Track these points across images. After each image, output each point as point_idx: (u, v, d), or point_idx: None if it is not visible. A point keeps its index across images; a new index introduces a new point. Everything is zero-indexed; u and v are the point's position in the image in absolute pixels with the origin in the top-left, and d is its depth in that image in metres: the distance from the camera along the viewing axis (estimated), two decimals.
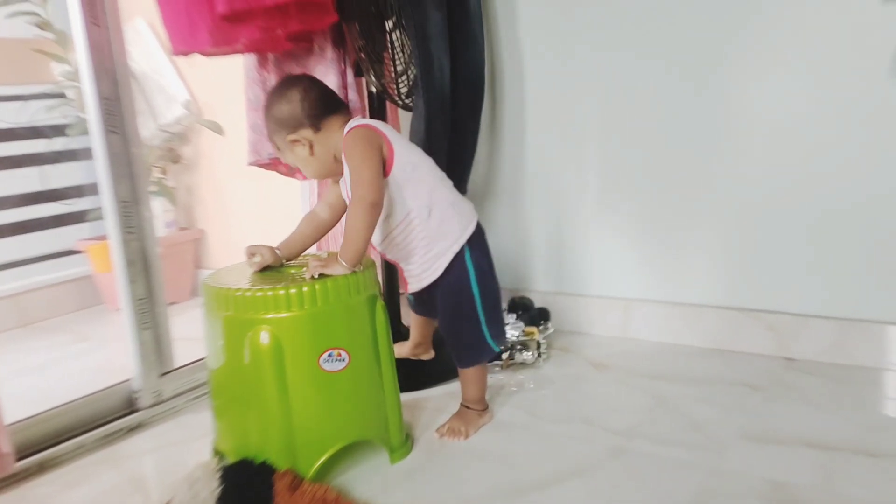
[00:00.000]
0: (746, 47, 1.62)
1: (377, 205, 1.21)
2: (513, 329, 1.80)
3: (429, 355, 1.64)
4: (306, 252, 1.39)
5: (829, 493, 1.12)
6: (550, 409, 1.52)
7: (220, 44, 1.47)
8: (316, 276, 1.16)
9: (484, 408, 1.46)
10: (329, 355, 1.13)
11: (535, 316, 1.91)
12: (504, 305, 1.91)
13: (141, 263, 1.58)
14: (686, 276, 1.81)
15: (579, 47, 1.83)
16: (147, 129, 2.64)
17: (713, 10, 1.64)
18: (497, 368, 1.75)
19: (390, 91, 1.64)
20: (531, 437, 1.39)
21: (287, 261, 1.34)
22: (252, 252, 1.30)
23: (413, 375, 1.66)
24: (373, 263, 1.27)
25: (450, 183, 1.35)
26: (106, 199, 1.53)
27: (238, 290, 1.13)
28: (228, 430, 1.23)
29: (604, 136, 1.85)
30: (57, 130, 2.58)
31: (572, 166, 1.91)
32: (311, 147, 1.29)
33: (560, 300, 2.00)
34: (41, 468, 1.38)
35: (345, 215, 1.28)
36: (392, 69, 1.67)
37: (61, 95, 2.56)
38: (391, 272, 1.79)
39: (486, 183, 2.06)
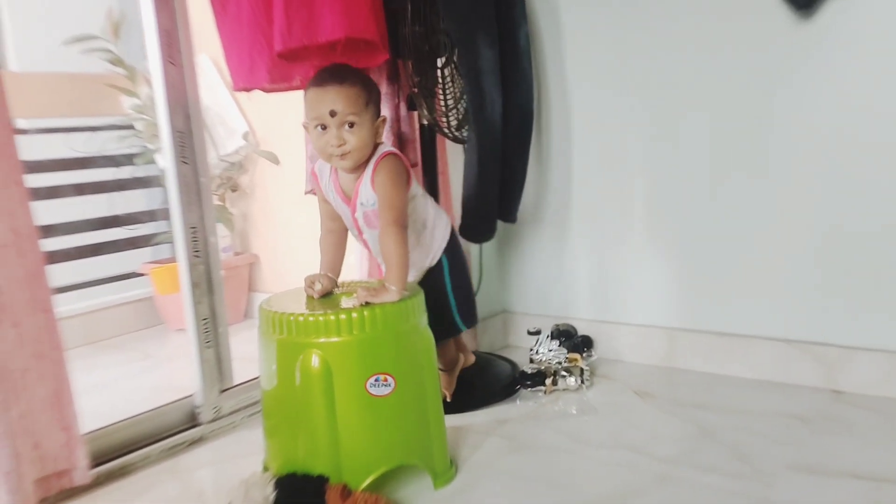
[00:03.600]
0: (792, 83, 1.65)
1: (406, 227, 1.35)
2: (556, 355, 1.84)
3: (469, 360, 1.76)
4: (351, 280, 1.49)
5: None
6: (594, 434, 1.54)
7: (278, 80, 1.57)
8: (364, 304, 1.23)
9: (449, 367, 1.70)
10: (376, 380, 1.19)
11: (578, 343, 1.94)
12: (547, 332, 1.95)
13: (206, 285, 1.67)
14: (731, 307, 1.82)
15: (624, 83, 1.88)
16: (208, 159, 2.77)
17: (760, 46, 1.67)
18: (541, 394, 1.79)
19: (441, 124, 1.72)
20: (576, 461, 1.42)
21: (337, 281, 1.43)
22: (312, 281, 1.37)
23: (457, 398, 1.71)
24: (420, 291, 1.34)
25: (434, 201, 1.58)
26: (176, 225, 1.63)
27: (291, 314, 1.20)
28: (278, 449, 1.28)
29: (649, 168, 1.89)
30: (125, 159, 2.74)
31: (617, 197, 1.96)
32: (378, 135, 1.39)
33: (604, 328, 2.03)
34: (109, 477, 1.47)
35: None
36: (443, 103, 1.75)
37: (130, 127, 2.72)
38: None
39: (533, 212, 2.12)
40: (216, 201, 2.83)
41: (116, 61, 2.63)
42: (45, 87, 2.70)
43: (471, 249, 2.02)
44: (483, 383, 1.83)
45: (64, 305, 2.57)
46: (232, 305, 2.77)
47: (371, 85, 1.38)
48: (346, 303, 1.27)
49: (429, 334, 1.32)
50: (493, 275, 2.20)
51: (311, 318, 1.18)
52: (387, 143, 1.44)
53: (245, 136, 2.76)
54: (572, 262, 2.08)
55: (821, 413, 1.57)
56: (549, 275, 2.13)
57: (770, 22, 1.64)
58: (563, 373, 1.82)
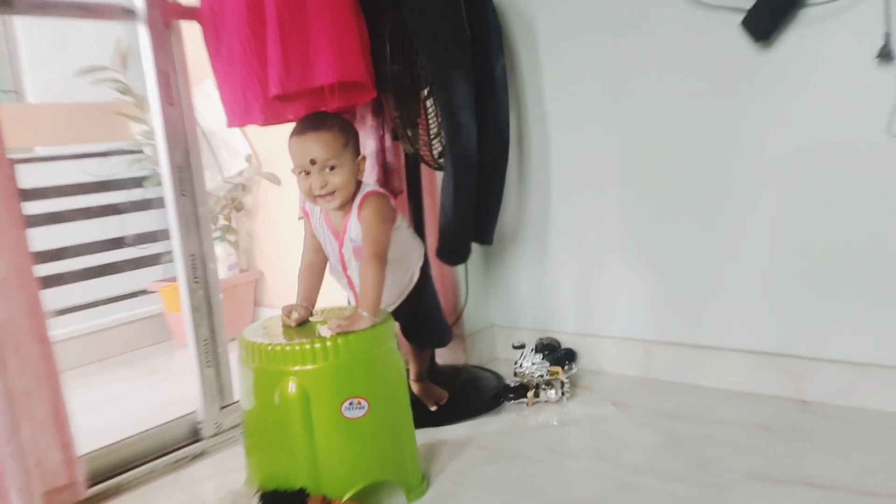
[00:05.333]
0: (755, 107, 1.73)
1: (385, 261, 1.45)
2: (539, 369, 1.93)
3: (443, 397, 1.86)
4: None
5: None
6: (569, 444, 1.64)
7: (271, 119, 1.68)
8: (335, 331, 1.33)
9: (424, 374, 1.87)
10: (350, 403, 1.28)
11: (561, 356, 2.03)
12: (532, 346, 2.05)
13: (205, 309, 1.78)
14: (704, 320, 1.91)
15: (599, 110, 1.98)
16: (213, 181, 2.90)
17: (724, 74, 1.76)
18: (524, 406, 1.88)
19: (423, 153, 1.82)
20: (549, 471, 1.51)
21: (312, 311, 1.53)
22: (289, 310, 1.48)
23: (444, 411, 1.82)
24: (390, 316, 1.44)
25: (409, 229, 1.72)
26: (176, 252, 1.75)
27: (269, 344, 1.30)
28: (259, 468, 1.38)
29: (623, 189, 1.98)
30: (135, 182, 2.87)
31: (594, 217, 2.05)
32: (360, 172, 1.51)
33: (585, 341, 2.12)
34: (118, 490, 1.58)
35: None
36: (426, 133, 1.85)
37: (139, 151, 2.86)
38: None
39: (516, 231, 2.22)
40: (222, 221, 2.96)
41: (125, 90, 2.76)
42: (61, 117, 2.85)
43: (459, 268, 2.11)
44: (469, 396, 1.93)
45: (78, 324, 2.75)
46: (239, 320, 2.88)
47: (348, 128, 1.50)
48: (321, 330, 1.37)
49: (399, 357, 1.42)
50: (481, 291, 2.30)
51: (287, 348, 1.28)
52: (370, 183, 1.56)
53: (248, 159, 2.88)
54: (555, 278, 2.17)
55: (785, 422, 1.65)
56: (534, 290, 2.22)
57: (735, 53, 1.73)
58: (545, 385, 1.91)
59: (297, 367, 1.28)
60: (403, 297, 1.70)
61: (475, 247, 2.06)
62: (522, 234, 2.21)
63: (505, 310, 2.32)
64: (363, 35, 1.58)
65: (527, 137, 2.13)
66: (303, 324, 1.46)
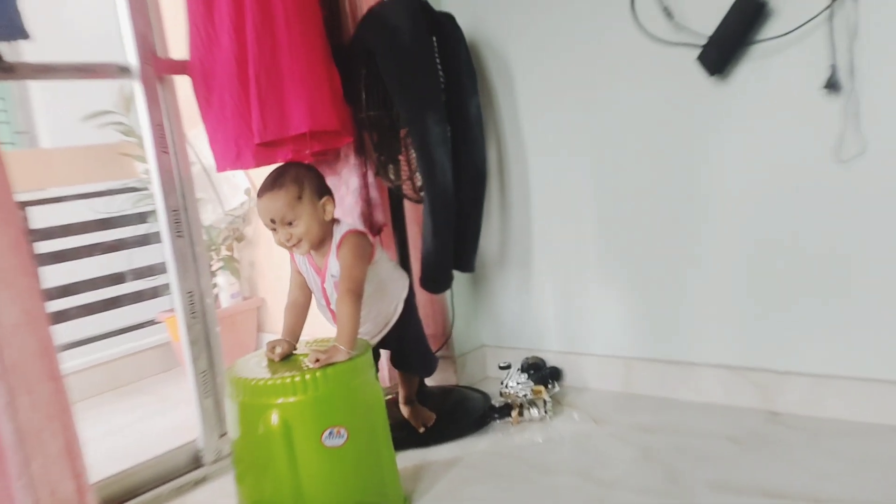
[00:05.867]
0: (715, 136, 1.83)
1: (360, 296, 1.56)
2: (523, 388, 2.02)
3: (430, 419, 1.94)
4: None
5: None
6: (548, 461, 1.73)
7: (263, 163, 1.80)
8: (314, 364, 1.42)
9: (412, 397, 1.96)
10: (330, 433, 1.37)
11: (545, 375, 2.12)
12: (518, 366, 2.15)
13: (203, 342, 1.89)
14: (679, 337, 2.00)
15: (573, 141, 2.08)
16: (215, 214, 3.04)
17: (684, 105, 1.86)
18: (509, 425, 1.98)
19: (405, 188, 1.93)
20: (527, 488, 1.61)
21: (295, 345, 1.62)
22: (273, 346, 1.57)
23: (432, 432, 1.91)
24: (368, 346, 1.53)
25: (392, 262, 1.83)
26: (173, 289, 1.86)
27: (252, 379, 1.40)
28: (246, 495, 1.47)
29: (598, 213, 2.08)
30: (140, 218, 3.01)
31: (573, 241, 2.15)
32: (325, 213, 1.59)
33: (570, 359, 2.21)
34: None
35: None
36: (409, 167, 1.96)
37: (144, 189, 2.99)
38: None
39: (499, 254, 2.32)
40: (224, 251, 3.08)
41: (128, 132, 2.91)
42: (71, 159, 3.01)
43: (445, 293, 2.21)
44: (457, 417, 2.02)
45: (91, 355, 2.88)
46: (241, 346, 3.00)
47: (303, 179, 1.57)
48: (304, 363, 1.46)
49: (377, 385, 1.52)
50: (470, 313, 2.40)
51: (269, 382, 1.38)
52: (349, 221, 1.66)
53: (247, 192, 3.01)
54: (539, 299, 2.27)
55: (753, 433, 1.74)
56: (520, 312, 2.32)
57: (693, 85, 1.82)
58: (528, 405, 2.00)
59: (279, 400, 1.37)
60: (389, 327, 1.80)
61: (462, 273, 2.17)
62: (507, 258, 2.31)
63: (494, 331, 2.41)
64: (335, 86, 1.70)
65: (507, 168, 2.24)
66: (286, 357, 1.55)
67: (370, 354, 1.53)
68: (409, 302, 1.83)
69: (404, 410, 1.94)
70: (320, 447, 1.38)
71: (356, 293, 1.54)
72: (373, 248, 1.66)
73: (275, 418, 1.36)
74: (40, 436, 1.43)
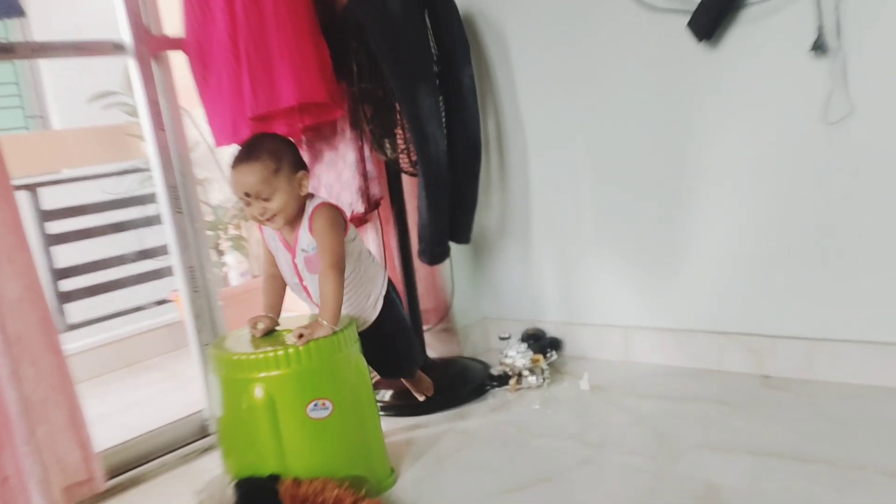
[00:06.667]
0: (706, 102, 1.82)
1: (343, 270, 1.52)
2: (522, 357, 2.05)
3: (429, 389, 1.95)
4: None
5: (751, 491, 1.32)
6: (542, 426, 1.76)
7: None
8: (298, 341, 1.40)
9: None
10: (315, 405, 1.39)
11: (545, 345, 2.15)
12: (518, 336, 2.18)
13: (207, 316, 1.95)
14: (675, 304, 2.01)
15: (569, 111, 2.09)
16: (222, 193, 3.08)
17: (676, 72, 1.86)
18: (507, 392, 2.01)
19: (401, 161, 1.96)
20: (519, 451, 1.64)
21: (278, 321, 1.60)
22: (255, 321, 1.56)
23: (432, 400, 1.95)
24: (353, 322, 1.54)
25: (367, 248, 1.74)
26: (176, 265, 1.91)
27: (234, 354, 1.42)
28: (233, 466, 1.48)
29: (596, 183, 2.09)
30: (148, 198, 3.06)
31: (571, 212, 2.16)
32: (301, 188, 1.52)
33: (570, 329, 2.24)
34: (134, 483, 1.76)
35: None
36: (404, 141, 1.98)
37: (149, 169, 3.04)
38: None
39: (499, 227, 2.34)
40: (232, 231, 3.13)
41: (133, 112, 2.95)
42: (81, 140, 3.07)
43: (445, 265, 2.24)
44: (456, 385, 2.06)
45: (105, 333, 2.95)
46: None
47: (280, 151, 1.50)
48: (286, 339, 1.46)
49: (362, 360, 1.52)
50: (472, 286, 2.43)
51: (251, 357, 1.40)
52: (318, 196, 1.59)
53: None
54: (539, 271, 2.29)
55: (745, 397, 1.75)
56: (521, 284, 2.34)
57: (684, 52, 1.82)
58: (527, 372, 2.04)
59: (262, 374, 1.38)
60: (367, 322, 1.68)
61: (465, 246, 2.19)
62: (507, 230, 2.33)
63: (495, 303, 2.44)
64: (323, 60, 1.72)
65: (505, 140, 2.25)
66: (269, 333, 1.55)
67: (354, 329, 1.53)
68: (389, 297, 1.72)
69: (405, 380, 1.98)
70: (305, 420, 1.39)
71: (338, 267, 1.50)
72: (346, 222, 1.60)
73: (259, 392, 1.38)
74: (45, 405, 1.49)
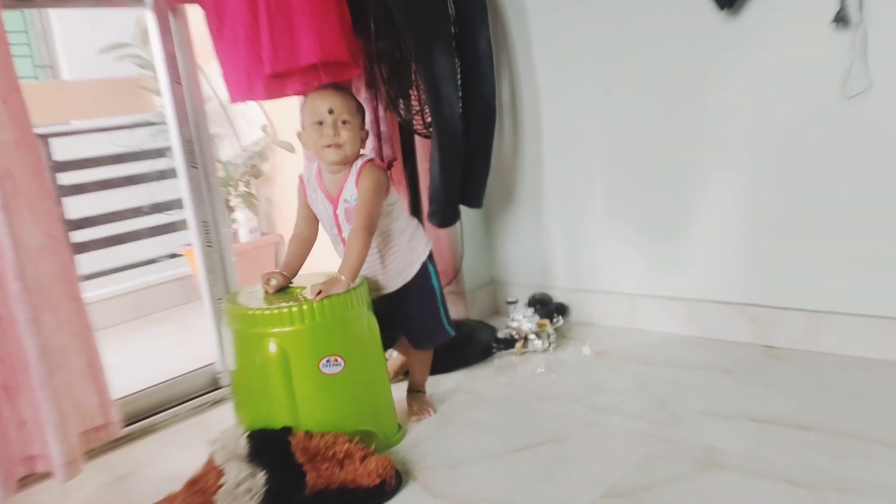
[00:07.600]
0: (724, 73, 1.82)
1: (373, 233, 1.55)
2: (529, 322, 2.08)
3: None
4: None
5: (752, 457, 1.35)
6: (547, 389, 1.80)
7: (274, 95, 1.82)
8: (316, 297, 1.43)
9: (426, 390, 1.80)
10: (327, 361, 1.42)
11: (552, 310, 2.18)
12: (525, 301, 2.21)
13: (220, 270, 1.97)
14: (682, 274, 2.03)
15: (585, 78, 2.08)
16: (232, 150, 3.08)
17: (695, 42, 1.84)
18: (513, 355, 2.04)
19: (415, 123, 1.96)
20: (524, 412, 1.68)
21: (292, 279, 1.61)
22: (268, 278, 1.57)
23: (441, 361, 1.95)
24: (365, 281, 1.56)
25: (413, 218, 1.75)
26: (189, 219, 1.93)
27: (250, 309, 1.44)
28: (245, 421, 1.51)
29: (607, 151, 2.09)
30: (159, 153, 3.06)
31: (582, 179, 2.17)
32: (363, 144, 1.61)
33: (578, 295, 2.26)
34: (148, 430, 1.81)
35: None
36: (419, 102, 1.98)
37: (163, 122, 3.04)
38: None
39: (510, 193, 2.35)
40: (243, 187, 3.14)
41: (146, 64, 2.93)
42: (92, 92, 3.05)
43: (455, 228, 2.25)
44: (463, 348, 2.09)
45: (117, 284, 2.98)
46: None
47: (359, 102, 1.61)
48: (305, 293, 1.48)
49: (373, 319, 1.55)
50: (482, 250, 2.45)
51: (267, 312, 1.42)
52: (368, 152, 1.65)
53: (263, 128, 3.04)
54: (548, 237, 2.30)
55: (748, 366, 1.78)
56: (530, 249, 2.36)
57: (704, 22, 1.80)
58: (533, 336, 2.06)
59: (276, 329, 1.41)
60: (407, 278, 1.68)
61: (476, 210, 2.20)
62: (518, 196, 2.34)
63: (504, 267, 2.46)
64: (344, 17, 1.71)
65: (520, 106, 2.25)
66: (282, 289, 1.57)
67: (366, 288, 1.55)
68: (427, 265, 1.70)
69: (407, 395, 1.80)
70: (317, 375, 1.43)
71: (369, 229, 1.53)
72: (389, 185, 1.63)
73: (272, 347, 1.41)
74: (64, 352, 1.52)
